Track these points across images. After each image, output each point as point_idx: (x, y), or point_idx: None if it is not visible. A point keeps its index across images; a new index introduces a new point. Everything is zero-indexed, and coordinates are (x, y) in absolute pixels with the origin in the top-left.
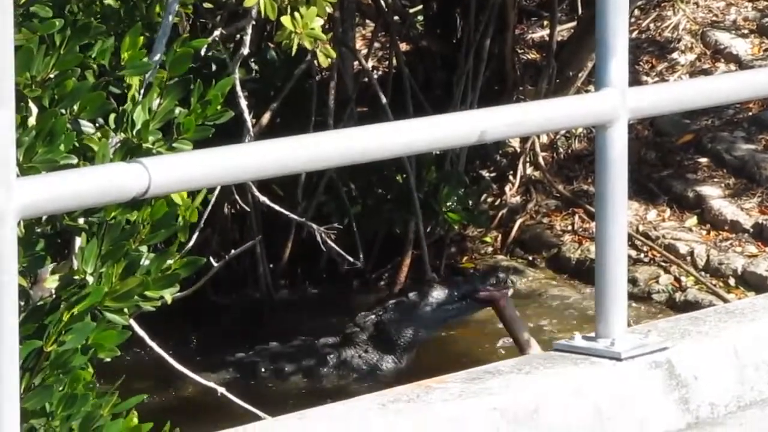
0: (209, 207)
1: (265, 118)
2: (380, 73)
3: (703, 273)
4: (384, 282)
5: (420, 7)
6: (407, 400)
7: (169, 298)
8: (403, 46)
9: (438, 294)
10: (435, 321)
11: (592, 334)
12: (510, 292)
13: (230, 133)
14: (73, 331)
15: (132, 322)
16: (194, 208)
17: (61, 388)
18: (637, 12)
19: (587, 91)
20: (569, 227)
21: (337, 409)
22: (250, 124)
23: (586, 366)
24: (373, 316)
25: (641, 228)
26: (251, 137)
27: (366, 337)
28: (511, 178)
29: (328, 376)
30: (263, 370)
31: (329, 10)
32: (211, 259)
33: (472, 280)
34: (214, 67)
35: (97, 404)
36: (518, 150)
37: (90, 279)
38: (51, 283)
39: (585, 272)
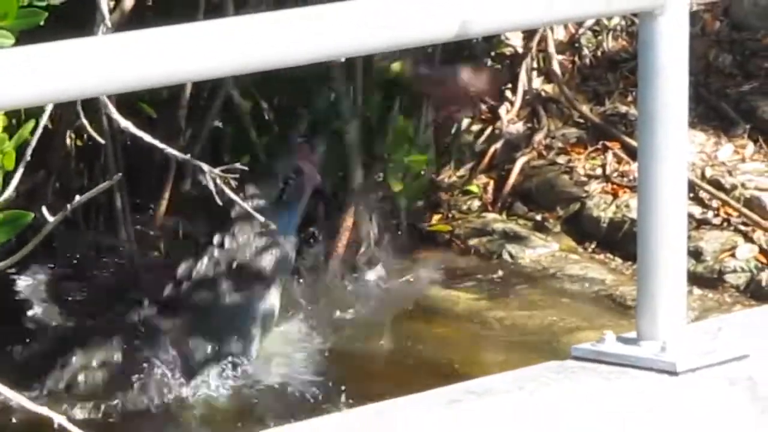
0: (38, 134)
1: (129, 0)
2: None
3: None
4: (313, 248)
5: None
6: None
7: None
8: None
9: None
10: (281, 265)
11: (633, 335)
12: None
13: (76, 21)
14: None
15: None
16: (12, 149)
17: None
18: None
19: None
20: (598, 171)
21: None
22: (105, 9)
23: (622, 382)
24: (170, 291)
25: (709, 172)
26: (108, 28)
27: (167, 338)
28: (509, 94)
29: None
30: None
31: None
32: (46, 212)
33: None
34: None
35: None
36: (520, 51)
37: None
38: None
39: (622, 240)
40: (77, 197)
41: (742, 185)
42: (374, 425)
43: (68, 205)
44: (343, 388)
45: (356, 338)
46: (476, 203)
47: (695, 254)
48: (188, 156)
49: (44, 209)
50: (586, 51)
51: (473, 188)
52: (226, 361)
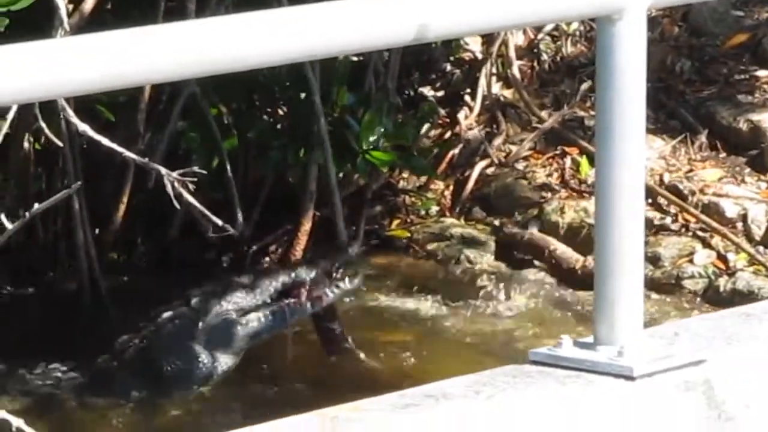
0: None
1: (88, 2)
2: None
3: (761, 248)
4: (271, 257)
5: None
6: None
7: None
8: None
9: (240, 297)
10: (236, 341)
11: (590, 339)
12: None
13: (36, 24)
14: None
15: None
16: None
17: None
18: None
19: None
20: (557, 176)
21: None
22: (64, 12)
23: (578, 387)
24: (136, 341)
25: (668, 178)
26: (66, 31)
27: (129, 375)
28: (468, 99)
29: None
30: (71, 394)
31: None
32: (3, 219)
33: (295, 271)
34: None
35: None
36: (479, 56)
37: None
38: None
39: (580, 245)
40: (36, 204)
41: (701, 191)
42: (332, 428)
43: (26, 213)
44: (300, 392)
45: (316, 344)
46: (435, 208)
47: (653, 260)
48: (146, 160)
49: (2, 216)
50: (545, 56)
51: (432, 194)
52: None
